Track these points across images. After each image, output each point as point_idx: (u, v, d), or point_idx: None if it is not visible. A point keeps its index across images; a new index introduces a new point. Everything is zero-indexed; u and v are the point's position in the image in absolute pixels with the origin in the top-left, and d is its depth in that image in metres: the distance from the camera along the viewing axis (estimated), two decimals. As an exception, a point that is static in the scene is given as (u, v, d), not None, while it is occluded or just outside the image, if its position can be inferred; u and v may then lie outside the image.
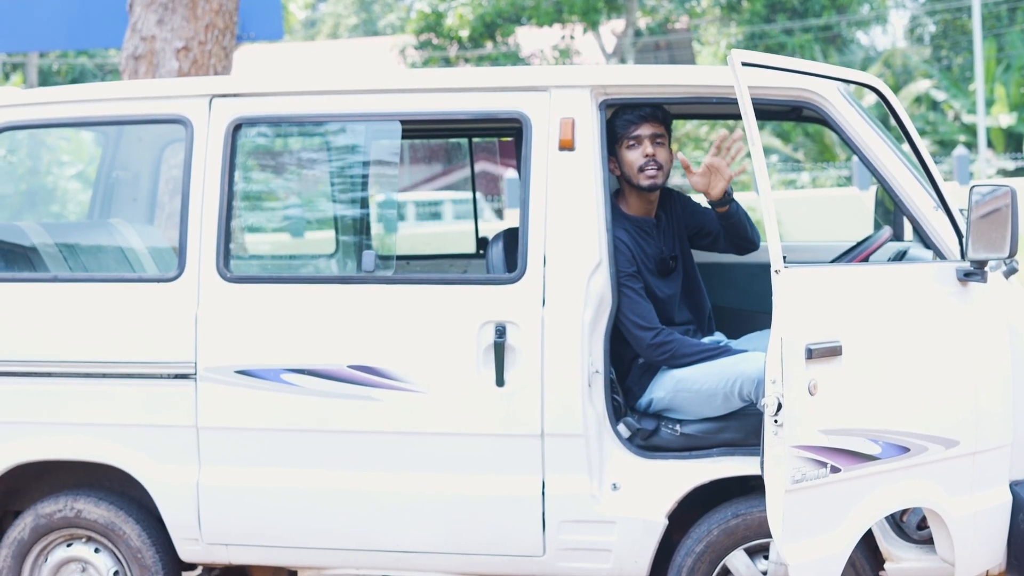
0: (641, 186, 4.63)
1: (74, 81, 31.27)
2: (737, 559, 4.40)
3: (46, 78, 31.39)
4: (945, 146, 30.31)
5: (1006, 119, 30.69)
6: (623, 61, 30.94)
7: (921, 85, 31.82)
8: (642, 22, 32.75)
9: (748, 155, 4.16)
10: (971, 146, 30.13)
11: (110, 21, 10.37)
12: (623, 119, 4.60)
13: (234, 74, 8.92)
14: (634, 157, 4.61)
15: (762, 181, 3.93)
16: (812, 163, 28.64)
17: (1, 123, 4.87)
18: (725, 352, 4.48)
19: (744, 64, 3.97)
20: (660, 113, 4.63)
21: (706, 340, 4.71)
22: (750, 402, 4.36)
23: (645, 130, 4.60)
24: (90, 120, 5.04)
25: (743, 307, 5.39)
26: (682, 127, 29.36)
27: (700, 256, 5.08)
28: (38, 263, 5.13)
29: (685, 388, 4.45)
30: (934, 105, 32.29)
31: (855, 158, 22.13)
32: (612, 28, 33.08)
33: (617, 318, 4.47)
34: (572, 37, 31.30)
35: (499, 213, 20.72)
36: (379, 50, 33.85)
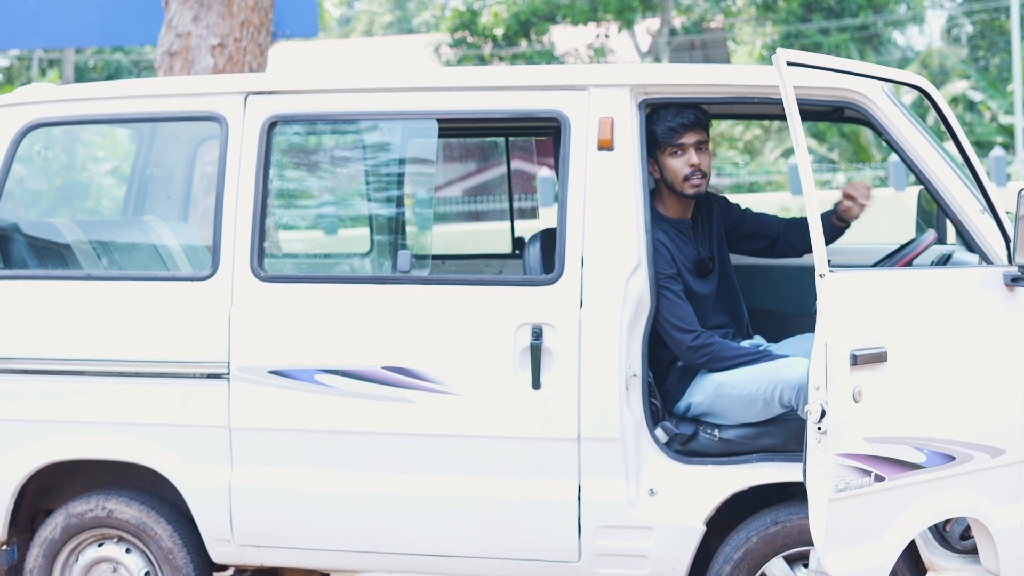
0: (685, 194, 4.58)
1: (110, 77, 31.39)
2: (776, 567, 4.33)
3: (82, 74, 31.52)
4: (982, 147, 30.06)
5: (1044, 120, 30.41)
6: (658, 60, 30.83)
7: (958, 86, 31.60)
8: (677, 21, 32.63)
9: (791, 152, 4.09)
10: (1008, 147, 29.90)
11: (146, 18, 10.38)
12: (666, 126, 4.53)
13: (269, 71, 8.89)
14: (678, 166, 4.55)
15: (807, 183, 3.86)
16: (847, 163, 28.49)
17: (35, 119, 4.86)
18: (765, 356, 4.42)
19: (789, 64, 3.90)
20: (703, 118, 4.56)
21: (745, 344, 4.65)
22: (790, 408, 4.29)
23: (690, 138, 4.53)
24: (124, 117, 5.02)
25: (782, 310, 5.33)
26: (716, 127, 29.25)
27: (737, 258, 5.02)
28: (71, 260, 5.11)
29: (725, 393, 4.38)
30: (971, 106, 32.05)
31: (890, 159, 21.97)
32: (647, 27, 32.98)
33: (656, 320, 4.41)
34: (607, 36, 31.21)
35: (534, 212, 20.67)
36: (413, 48, 33.85)
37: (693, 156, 4.54)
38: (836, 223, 4.74)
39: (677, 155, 4.55)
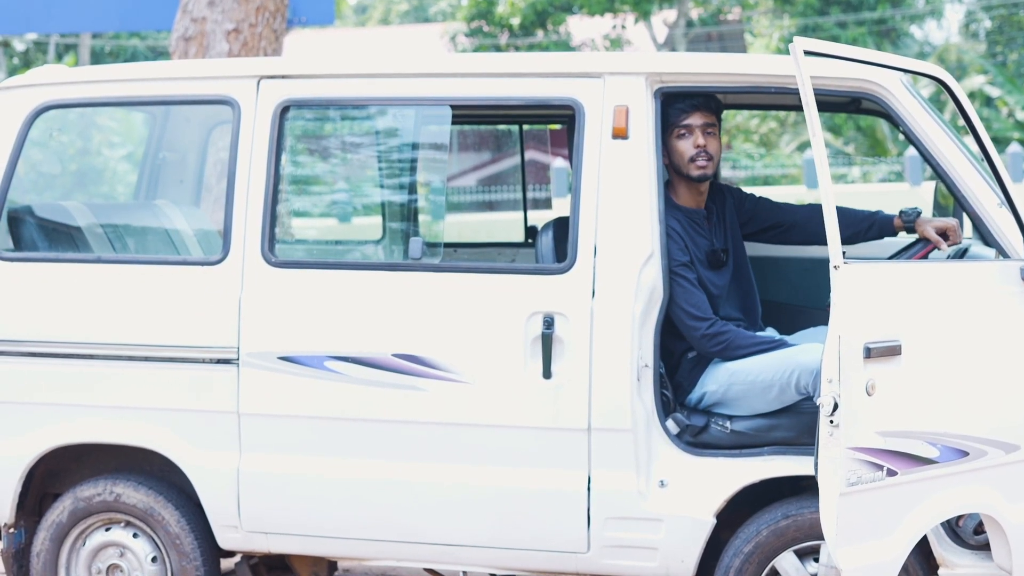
0: (691, 176, 4.54)
1: (126, 63, 31.35)
2: (786, 561, 4.30)
3: (98, 59, 31.54)
4: (999, 143, 29.92)
5: (1061, 117, 30.27)
6: (674, 51, 30.74)
7: (975, 81, 31.47)
8: (694, 13, 32.56)
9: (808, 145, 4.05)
10: (1025, 143, 29.78)
11: (162, 3, 10.36)
12: (673, 108, 4.50)
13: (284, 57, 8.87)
14: (685, 147, 4.51)
15: (822, 174, 3.82)
16: (863, 157, 28.39)
17: (47, 101, 4.83)
18: (781, 345, 4.38)
19: (806, 53, 3.86)
20: (712, 103, 4.53)
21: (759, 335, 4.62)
22: (806, 395, 4.25)
23: (696, 120, 4.50)
24: (137, 99, 4.99)
25: (795, 302, 5.29)
26: (732, 119, 29.15)
27: (752, 250, 4.98)
28: (82, 244, 5.09)
29: (739, 380, 4.35)
30: (988, 101, 31.92)
31: (906, 154, 21.89)
32: (664, 18, 32.91)
33: (669, 308, 4.38)
34: (623, 27, 31.15)
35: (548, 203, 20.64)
36: (430, 37, 33.82)
37: (699, 137, 4.50)
38: (897, 225, 4.65)
39: (684, 136, 4.51)
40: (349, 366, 4.45)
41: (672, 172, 4.60)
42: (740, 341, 4.39)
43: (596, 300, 4.32)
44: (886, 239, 4.86)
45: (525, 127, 6.31)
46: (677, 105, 4.50)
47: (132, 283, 4.68)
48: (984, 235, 4.27)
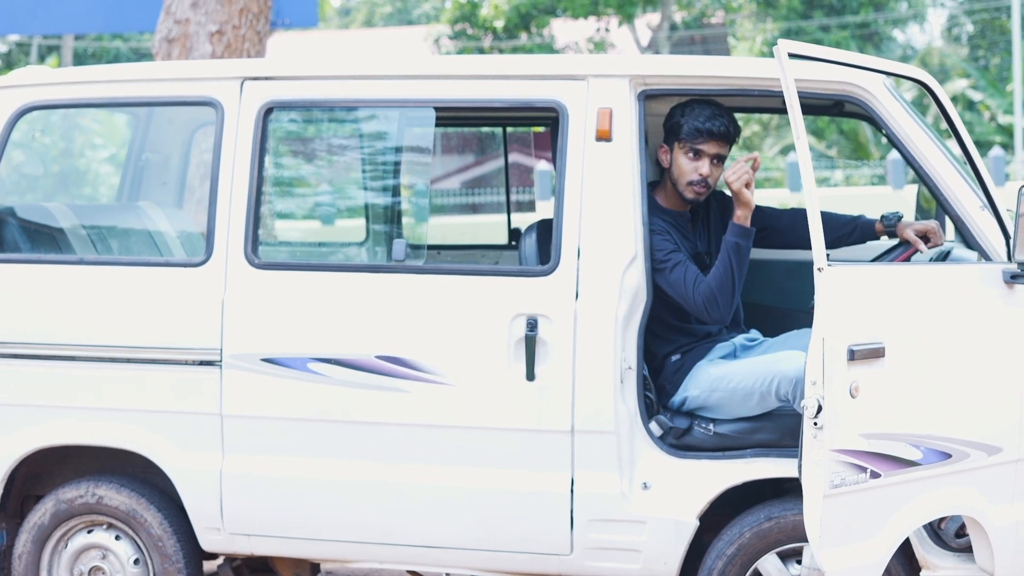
0: (684, 197, 4.54)
1: (109, 64, 31.29)
2: (769, 563, 4.31)
3: (81, 61, 31.48)
4: (981, 147, 30.01)
5: (1043, 120, 30.37)
6: (658, 54, 30.79)
7: (958, 85, 31.59)
8: (678, 16, 32.64)
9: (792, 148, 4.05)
10: (1007, 147, 29.89)
11: (145, 4, 10.35)
12: (693, 125, 4.46)
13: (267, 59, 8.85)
14: (688, 168, 4.50)
15: (807, 177, 3.83)
16: (846, 161, 28.46)
17: (30, 102, 4.82)
18: (730, 249, 4.37)
19: (791, 55, 3.86)
20: (733, 131, 4.50)
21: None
22: (787, 402, 4.27)
23: (711, 148, 4.48)
24: (120, 101, 4.98)
25: (779, 305, 5.30)
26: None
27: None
28: (65, 245, 5.08)
29: (721, 387, 4.36)
30: (970, 105, 32.06)
31: (889, 157, 21.94)
32: (647, 21, 32.98)
33: (675, 297, 4.37)
34: (607, 30, 31.21)
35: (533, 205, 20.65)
36: (413, 39, 33.82)
37: (705, 167, 4.49)
38: (878, 229, 4.68)
39: (692, 157, 4.49)
40: (332, 368, 4.44)
41: (666, 175, 4.60)
42: (713, 284, 4.35)
43: (579, 302, 4.32)
44: (869, 243, 4.87)
45: (509, 129, 6.31)
46: (697, 123, 4.45)
47: (115, 284, 4.66)
48: (966, 238, 4.27)
